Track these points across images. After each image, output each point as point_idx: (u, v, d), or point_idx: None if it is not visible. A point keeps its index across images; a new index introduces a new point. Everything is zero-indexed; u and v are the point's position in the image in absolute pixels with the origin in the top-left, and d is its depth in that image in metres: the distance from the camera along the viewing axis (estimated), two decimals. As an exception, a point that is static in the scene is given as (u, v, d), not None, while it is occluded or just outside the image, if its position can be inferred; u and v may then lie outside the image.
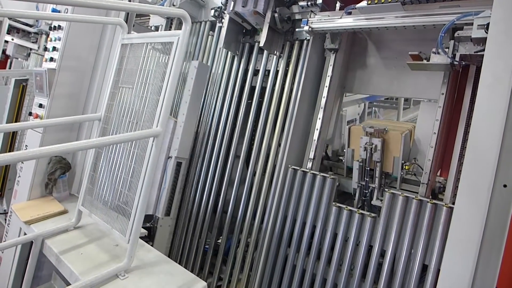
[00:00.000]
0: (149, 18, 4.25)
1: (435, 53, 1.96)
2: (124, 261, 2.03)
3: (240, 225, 2.80)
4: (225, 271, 2.84)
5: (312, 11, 2.51)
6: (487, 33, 1.66)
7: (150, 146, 2.00)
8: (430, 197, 2.14)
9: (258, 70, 2.95)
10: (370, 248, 2.19)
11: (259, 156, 2.79)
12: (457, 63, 1.89)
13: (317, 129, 2.63)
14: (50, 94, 2.95)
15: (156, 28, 3.90)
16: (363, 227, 2.21)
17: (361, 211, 2.24)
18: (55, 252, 2.25)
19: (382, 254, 2.14)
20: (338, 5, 2.72)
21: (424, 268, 1.98)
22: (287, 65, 2.78)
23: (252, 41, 3.01)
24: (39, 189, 3.00)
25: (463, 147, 2.06)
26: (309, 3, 2.55)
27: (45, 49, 3.19)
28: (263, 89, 2.90)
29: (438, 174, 2.33)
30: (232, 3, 2.70)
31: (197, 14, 3.43)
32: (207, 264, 3.00)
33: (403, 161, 2.38)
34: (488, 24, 1.64)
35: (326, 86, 2.64)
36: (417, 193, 2.18)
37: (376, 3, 2.12)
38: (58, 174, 2.93)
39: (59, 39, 2.98)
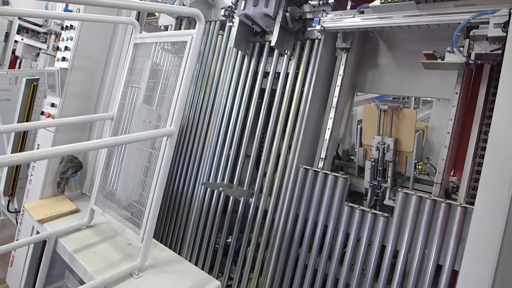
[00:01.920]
0: (157, 18, 4.26)
1: (450, 52, 1.94)
2: (138, 260, 2.04)
3: (251, 224, 2.80)
4: (236, 270, 2.84)
5: (324, 10, 2.50)
6: (504, 31, 1.65)
7: (164, 145, 2.01)
8: (444, 197, 2.13)
9: (269, 72, 2.94)
10: (382, 248, 2.18)
11: (270, 156, 2.79)
12: (472, 62, 1.87)
13: (328, 129, 2.62)
14: (62, 93, 2.97)
15: (166, 28, 3.90)
16: (375, 227, 2.20)
17: (373, 211, 2.23)
18: (68, 251, 2.27)
19: (395, 254, 2.13)
20: (349, 4, 2.72)
21: (438, 268, 1.97)
22: (298, 64, 2.78)
23: (263, 41, 3.01)
24: (51, 188, 3.04)
25: (477, 147, 2.05)
26: (320, 2, 2.54)
27: (57, 48, 3.22)
28: (273, 89, 2.90)
29: (452, 174, 2.31)
30: (243, 2, 2.70)
31: (207, 13, 3.43)
32: (217, 263, 3.00)
33: (416, 161, 2.37)
34: (505, 23, 1.62)
35: (338, 86, 2.63)
36: (430, 193, 2.17)
37: (389, 2, 2.10)
38: (70, 173, 2.95)
39: (71, 39, 3.01)
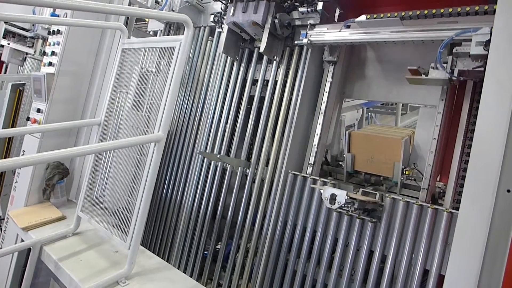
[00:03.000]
0: (147, 23, 4.25)
1: (433, 68, 1.98)
2: (124, 268, 2.02)
3: (240, 230, 2.79)
4: (225, 277, 2.82)
5: (311, 24, 2.53)
6: (485, 50, 1.68)
7: (152, 151, 2.00)
8: (431, 202, 2.15)
9: (257, 80, 2.95)
10: (371, 253, 2.20)
11: (259, 161, 2.79)
12: (455, 78, 1.91)
13: (317, 134, 2.64)
14: (48, 98, 2.94)
15: (155, 33, 3.89)
16: (363, 233, 2.21)
17: (361, 216, 2.24)
18: (53, 259, 2.23)
19: (383, 259, 2.14)
20: (337, 11, 2.75)
21: (425, 273, 1.98)
22: (287, 70, 2.79)
23: (252, 47, 3.02)
24: (36, 195, 2.98)
25: (463, 153, 2.08)
26: (309, 9, 2.57)
27: (44, 53, 3.18)
28: (262, 97, 2.91)
29: (438, 179, 2.34)
30: (232, 9, 2.71)
31: (196, 19, 3.44)
32: (206, 270, 2.98)
33: (403, 166, 2.40)
34: (486, 42, 1.66)
35: (326, 92, 2.65)
36: (417, 198, 2.19)
37: (375, 18, 2.14)
38: (56, 179, 2.91)
39: (58, 44, 2.98)
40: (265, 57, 2.88)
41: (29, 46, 6.24)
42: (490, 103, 1.53)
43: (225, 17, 2.88)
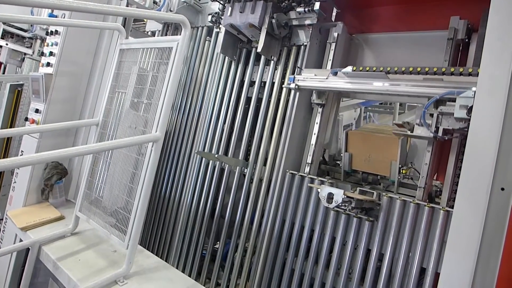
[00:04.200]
0: (145, 23, 4.26)
1: (418, 125, 2.00)
2: (123, 267, 2.02)
3: (238, 229, 2.80)
4: (223, 276, 2.83)
5: (298, 67, 2.59)
6: (468, 116, 1.67)
7: (150, 151, 2.00)
8: (427, 200, 2.17)
9: (255, 81, 2.96)
10: (368, 251, 2.21)
11: (257, 160, 2.80)
12: (440, 137, 1.93)
13: (314, 134, 2.65)
14: (46, 99, 2.94)
15: (153, 34, 3.90)
16: (361, 231, 2.23)
17: (359, 215, 2.25)
18: (52, 259, 2.24)
19: (380, 258, 2.16)
20: (334, 11, 2.77)
21: (422, 271, 2.00)
22: (284, 73, 2.80)
23: (249, 47, 3.03)
24: (35, 195, 2.99)
25: (459, 151, 2.10)
26: (306, 9, 2.58)
27: (42, 54, 3.18)
28: (260, 96, 2.92)
29: (435, 178, 2.36)
30: (230, 9, 2.72)
31: (194, 19, 3.44)
32: (204, 269, 2.98)
33: (400, 165, 2.41)
34: (469, 109, 1.65)
35: (324, 91, 2.66)
36: (414, 197, 2.20)
37: (361, 70, 2.15)
38: (55, 179, 2.91)
39: (56, 44, 2.98)
40: (262, 57, 2.88)
41: (27, 47, 6.24)
42: (484, 101, 1.54)
43: (222, 17, 2.88)
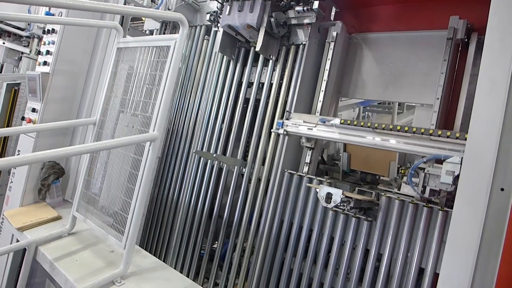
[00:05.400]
0: (143, 22, 4.24)
1: (406, 184, 2.00)
2: (120, 268, 2.01)
3: (236, 229, 2.79)
4: (221, 276, 2.82)
5: (287, 111, 2.59)
6: (454, 185, 1.68)
7: (147, 150, 1.99)
8: (426, 201, 2.16)
9: (253, 82, 2.95)
10: (366, 252, 2.20)
11: (255, 160, 2.79)
12: (427, 198, 1.93)
13: (313, 134, 2.63)
14: (43, 98, 2.92)
15: (151, 32, 3.88)
16: (359, 231, 2.22)
17: (357, 215, 2.24)
18: (49, 259, 2.22)
19: (379, 258, 2.15)
20: (333, 10, 2.76)
21: (421, 271, 1.99)
22: (282, 74, 2.79)
23: (248, 46, 3.02)
24: (32, 195, 2.97)
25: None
26: (305, 8, 2.57)
27: (39, 52, 3.16)
28: (258, 97, 2.91)
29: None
30: (228, 8, 2.71)
31: (192, 18, 3.43)
32: (203, 269, 2.97)
33: (398, 165, 2.40)
34: (455, 177, 1.66)
35: (322, 91, 2.65)
36: (413, 197, 2.20)
37: (348, 124, 2.15)
38: (52, 179, 2.90)
39: (53, 43, 2.96)
40: (261, 56, 2.87)
41: (24, 45, 6.22)
42: (484, 101, 1.53)
43: (221, 16, 2.87)
